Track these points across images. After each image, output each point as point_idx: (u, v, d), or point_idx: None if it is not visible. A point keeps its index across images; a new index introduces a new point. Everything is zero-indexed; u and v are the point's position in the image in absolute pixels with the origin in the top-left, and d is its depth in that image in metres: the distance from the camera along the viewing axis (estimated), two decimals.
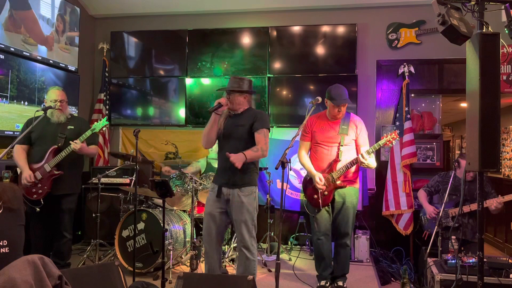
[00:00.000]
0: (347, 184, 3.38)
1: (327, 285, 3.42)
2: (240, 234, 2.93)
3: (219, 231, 3.02)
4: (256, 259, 3.00)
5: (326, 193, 3.35)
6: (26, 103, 4.37)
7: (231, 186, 2.94)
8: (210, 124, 3.01)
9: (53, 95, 3.57)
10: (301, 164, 3.56)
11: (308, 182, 3.48)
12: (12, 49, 4.17)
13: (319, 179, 3.32)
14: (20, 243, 1.80)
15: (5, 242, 1.69)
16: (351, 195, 3.40)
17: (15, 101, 4.24)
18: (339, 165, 3.35)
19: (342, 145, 3.36)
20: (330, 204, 3.41)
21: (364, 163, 3.23)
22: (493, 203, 3.53)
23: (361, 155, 3.23)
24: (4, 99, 4.12)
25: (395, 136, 3.27)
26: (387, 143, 3.28)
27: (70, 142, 3.39)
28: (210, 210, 3.00)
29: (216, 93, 5.08)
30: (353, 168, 3.40)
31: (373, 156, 3.32)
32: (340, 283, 3.44)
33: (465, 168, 2.27)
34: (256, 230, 3.01)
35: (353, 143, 3.42)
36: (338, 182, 3.34)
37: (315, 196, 3.37)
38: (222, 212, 2.99)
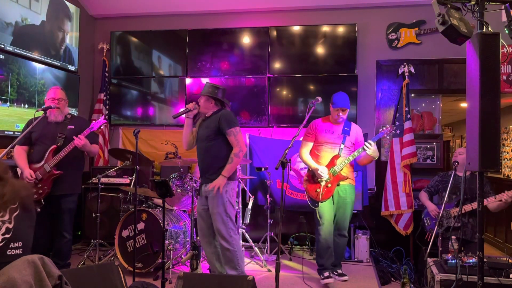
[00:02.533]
0: (348, 178, 3.66)
1: (330, 275, 3.58)
2: (215, 225, 3.18)
3: (208, 226, 3.29)
4: (236, 250, 3.19)
5: (329, 185, 3.60)
6: (26, 106, 4.37)
7: (207, 183, 3.24)
8: (184, 127, 3.40)
9: (51, 93, 3.58)
10: (302, 160, 3.80)
11: (310, 178, 3.70)
12: (10, 48, 4.18)
13: (322, 170, 3.57)
14: (30, 245, 1.80)
15: (20, 244, 1.68)
16: (351, 192, 3.70)
17: (15, 104, 4.24)
18: (340, 160, 3.62)
19: (343, 143, 3.65)
20: (332, 197, 3.67)
21: (370, 149, 3.51)
22: (503, 196, 3.47)
23: (368, 142, 3.53)
24: (4, 102, 4.12)
25: (390, 128, 3.65)
26: (385, 135, 3.66)
27: (74, 137, 3.39)
28: (198, 209, 3.37)
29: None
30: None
31: (375, 146, 3.59)
32: (340, 271, 3.74)
33: (465, 168, 2.27)
34: (233, 222, 3.23)
35: (352, 147, 3.70)
36: (339, 175, 3.60)
37: (318, 190, 3.61)
38: (205, 209, 3.27)
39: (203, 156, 3.30)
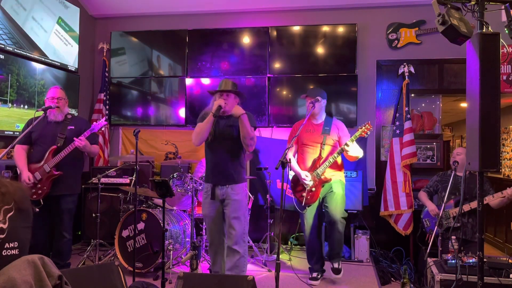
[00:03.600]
0: (332, 178, 3.59)
1: (318, 276, 3.67)
2: (233, 229, 3.04)
3: (221, 230, 3.18)
4: (246, 256, 3.11)
5: (313, 189, 3.56)
6: (26, 106, 4.37)
7: (223, 185, 3.08)
8: (206, 124, 3.05)
9: (51, 92, 3.58)
10: None
11: (296, 182, 3.69)
12: (10, 48, 4.18)
13: (306, 176, 3.55)
14: (27, 245, 1.80)
15: (16, 244, 1.68)
16: (338, 187, 3.58)
17: (15, 105, 4.24)
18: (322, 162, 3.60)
19: (324, 144, 3.59)
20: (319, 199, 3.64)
21: (348, 151, 3.44)
22: (508, 192, 3.44)
23: (345, 144, 3.46)
24: (4, 103, 4.12)
25: (368, 127, 3.49)
26: (362, 134, 3.49)
27: (74, 138, 3.39)
28: (207, 212, 3.17)
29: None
30: (338, 161, 3.63)
31: (356, 145, 3.49)
32: (336, 265, 3.61)
33: (465, 168, 2.27)
34: (247, 226, 3.16)
35: (336, 144, 3.64)
36: (322, 177, 3.56)
37: (303, 194, 3.59)
38: (218, 212, 3.14)
39: (227, 155, 3.10)
